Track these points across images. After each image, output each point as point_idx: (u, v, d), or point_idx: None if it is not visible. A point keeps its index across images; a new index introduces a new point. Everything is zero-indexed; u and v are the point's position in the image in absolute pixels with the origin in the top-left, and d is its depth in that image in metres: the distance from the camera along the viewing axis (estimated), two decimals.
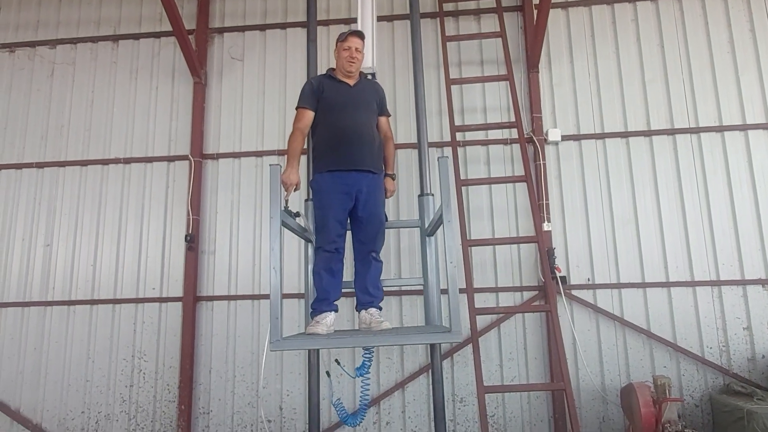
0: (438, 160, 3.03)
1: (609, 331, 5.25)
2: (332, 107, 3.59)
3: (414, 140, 4.91)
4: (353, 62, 3.64)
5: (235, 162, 5.86)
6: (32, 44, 6.31)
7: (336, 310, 3.47)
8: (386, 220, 3.71)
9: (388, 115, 3.95)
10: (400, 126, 5.71)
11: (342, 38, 3.69)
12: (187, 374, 5.38)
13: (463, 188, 5.28)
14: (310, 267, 3.90)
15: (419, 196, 4.36)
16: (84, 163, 5.97)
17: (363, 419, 3.95)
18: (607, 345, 5.23)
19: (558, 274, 5.24)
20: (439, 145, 5.65)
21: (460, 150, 5.54)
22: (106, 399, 5.49)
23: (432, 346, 4.14)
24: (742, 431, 4.27)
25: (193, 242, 5.58)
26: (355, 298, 3.64)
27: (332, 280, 3.46)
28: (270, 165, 3.06)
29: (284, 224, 3.14)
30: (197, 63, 5.85)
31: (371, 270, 3.57)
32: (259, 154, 5.84)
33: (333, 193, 3.48)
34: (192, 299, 5.52)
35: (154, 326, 5.59)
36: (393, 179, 3.94)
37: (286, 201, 3.33)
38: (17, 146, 6.09)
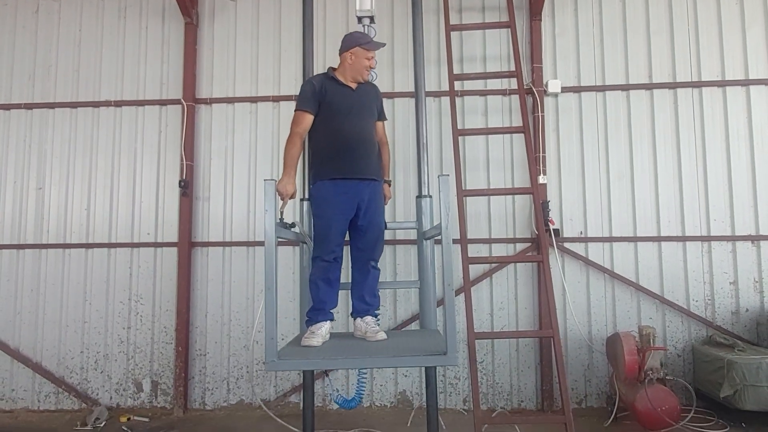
0: (438, 177, 2.91)
1: (598, 283, 5.35)
2: (337, 112, 3.43)
3: (411, 89, 4.81)
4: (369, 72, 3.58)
5: (228, 107, 5.75)
6: None
7: (332, 319, 3.46)
8: (385, 227, 3.66)
9: (385, 120, 3.87)
10: (397, 74, 5.59)
11: (368, 46, 3.50)
12: (184, 317, 5.46)
13: (460, 138, 5.22)
14: (305, 265, 3.89)
15: (417, 197, 4.32)
16: (74, 105, 5.83)
17: (360, 401, 4.32)
18: (595, 296, 5.34)
19: (551, 227, 5.29)
20: (437, 94, 5.54)
21: (458, 100, 5.44)
22: (104, 340, 5.60)
23: (423, 295, 4.22)
24: (722, 380, 4.44)
25: (187, 188, 5.54)
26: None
27: (329, 290, 3.41)
28: (264, 180, 2.83)
29: (279, 238, 3.00)
30: (188, 2, 5.62)
31: (369, 278, 3.54)
32: (253, 99, 5.71)
33: (336, 202, 3.38)
34: (187, 245, 5.53)
35: (149, 270, 5.63)
36: (389, 185, 3.92)
37: (281, 212, 3.14)
38: (4, 86, 5.91)
